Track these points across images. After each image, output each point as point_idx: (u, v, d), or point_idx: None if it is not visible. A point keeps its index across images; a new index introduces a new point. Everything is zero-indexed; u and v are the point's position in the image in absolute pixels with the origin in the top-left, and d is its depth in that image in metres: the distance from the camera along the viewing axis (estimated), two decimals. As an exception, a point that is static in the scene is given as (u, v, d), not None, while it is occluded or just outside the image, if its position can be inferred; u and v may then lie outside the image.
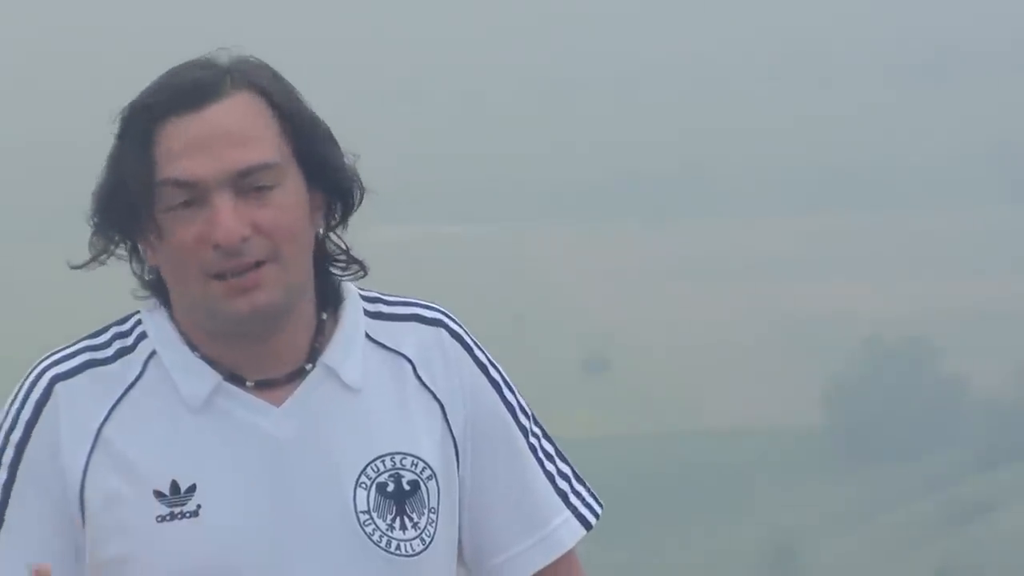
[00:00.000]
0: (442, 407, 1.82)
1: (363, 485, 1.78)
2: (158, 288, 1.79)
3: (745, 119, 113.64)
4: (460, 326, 1.86)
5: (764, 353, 77.30)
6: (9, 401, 1.77)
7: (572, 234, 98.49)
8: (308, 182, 1.76)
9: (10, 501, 1.73)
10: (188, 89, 1.71)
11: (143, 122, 1.72)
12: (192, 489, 1.71)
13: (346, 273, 1.81)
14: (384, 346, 1.82)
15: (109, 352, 1.77)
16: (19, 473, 1.74)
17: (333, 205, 1.79)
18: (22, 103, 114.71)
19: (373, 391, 1.79)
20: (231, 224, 1.65)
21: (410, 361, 1.81)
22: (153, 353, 1.75)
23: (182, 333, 1.75)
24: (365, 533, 1.76)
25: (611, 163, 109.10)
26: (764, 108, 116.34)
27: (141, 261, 1.79)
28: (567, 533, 1.87)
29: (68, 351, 1.79)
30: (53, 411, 1.75)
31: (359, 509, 1.76)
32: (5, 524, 1.73)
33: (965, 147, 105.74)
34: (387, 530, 1.77)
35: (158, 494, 1.70)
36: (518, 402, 1.89)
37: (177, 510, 1.70)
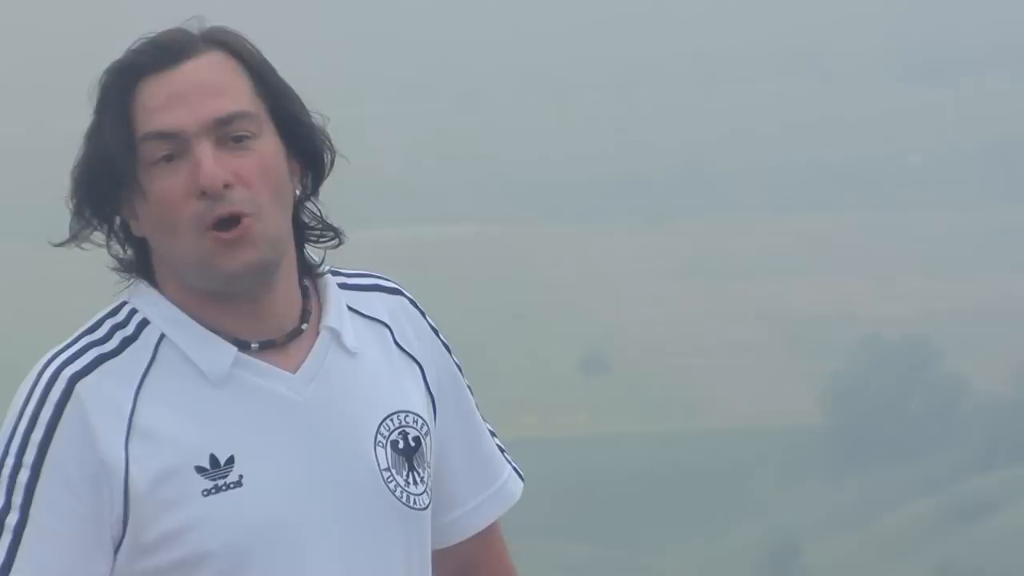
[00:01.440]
0: (420, 368, 1.91)
1: (380, 444, 1.83)
2: (140, 266, 1.82)
3: (744, 119, 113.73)
4: (411, 295, 1.96)
5: (763, 353, 77.33)
6: (20, 404, 1.78)
7: (572, 234, 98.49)
8: (285, 145, 1.81)
9: (34, 499, 1.73)
10: (162, 48, 1.76)
11: (120, 84, 1.76)
12: (231, 461, 1.74)
13: (321, 241, 1.86)
14: (361, 314, 1.88)
15: (113, 344, 1.79)
16: (43, 471, 1.74)
17: (306, 171, 1.84)
18: (23, 102, 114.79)
19: (366, 355, 1.85)
20: (213, 167, 1.69)
21: (388, 327, 1.89)
22: (162, 336, 1.78)
23: (182, 308, 1.79)
24: (389, 489, 1.82)
25: (612, 162, 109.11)
26: (763, 108, 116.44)
27: (121, 240, 1.82)
28: (514, 485, 1.97)
29: (73, 349, 1.80)
30: (77, 408, 1.75)
31: (381, 467, 1.81)
32: (30, 521, 1.73)
33: (964, 145, 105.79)
34: (405, 486, 1.83)
35: (200, 469, 1.72)
36: (459, 363, 1.99)
37: (221, 482, 1.73)
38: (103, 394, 1.75)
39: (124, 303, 1.80)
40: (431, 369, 1.92)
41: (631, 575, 60.10)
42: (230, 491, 1.73)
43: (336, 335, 1.83)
